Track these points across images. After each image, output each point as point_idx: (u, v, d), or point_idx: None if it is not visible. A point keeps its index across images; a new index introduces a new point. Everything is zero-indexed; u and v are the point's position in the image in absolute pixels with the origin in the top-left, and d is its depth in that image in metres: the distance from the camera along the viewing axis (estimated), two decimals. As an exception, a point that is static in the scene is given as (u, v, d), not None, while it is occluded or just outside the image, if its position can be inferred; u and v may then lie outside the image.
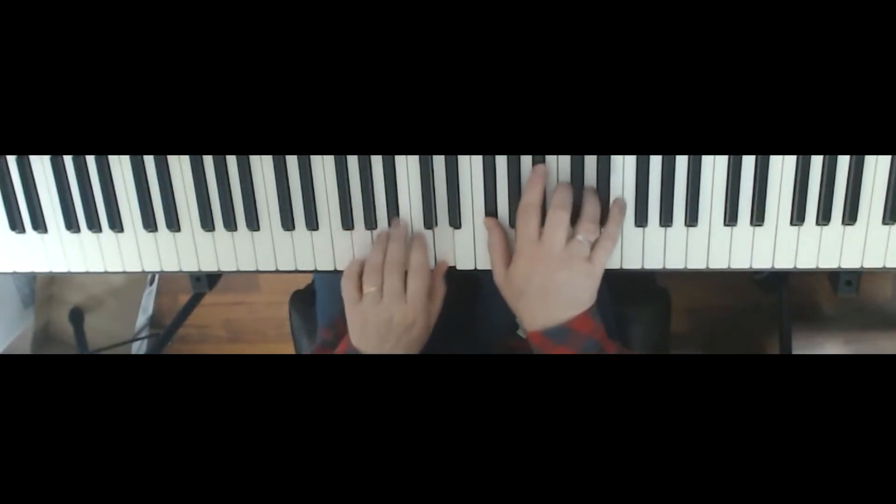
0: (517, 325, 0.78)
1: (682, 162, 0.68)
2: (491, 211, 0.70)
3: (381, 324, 0.68)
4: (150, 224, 0.73)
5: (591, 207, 0.65)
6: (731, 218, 0.68)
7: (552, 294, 0.64)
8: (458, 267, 0.72)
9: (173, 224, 0.73)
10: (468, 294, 0.87)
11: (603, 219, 0.67)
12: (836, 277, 0.72)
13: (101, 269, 0.76)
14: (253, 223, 0.72)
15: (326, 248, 0.73)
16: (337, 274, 0.73)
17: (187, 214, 0.73)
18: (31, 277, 1.47)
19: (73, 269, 0.76)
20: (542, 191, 0.66)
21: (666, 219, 0.69)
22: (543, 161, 0.68)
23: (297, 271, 0.75)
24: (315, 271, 0.74)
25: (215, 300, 1.65)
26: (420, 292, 0.68)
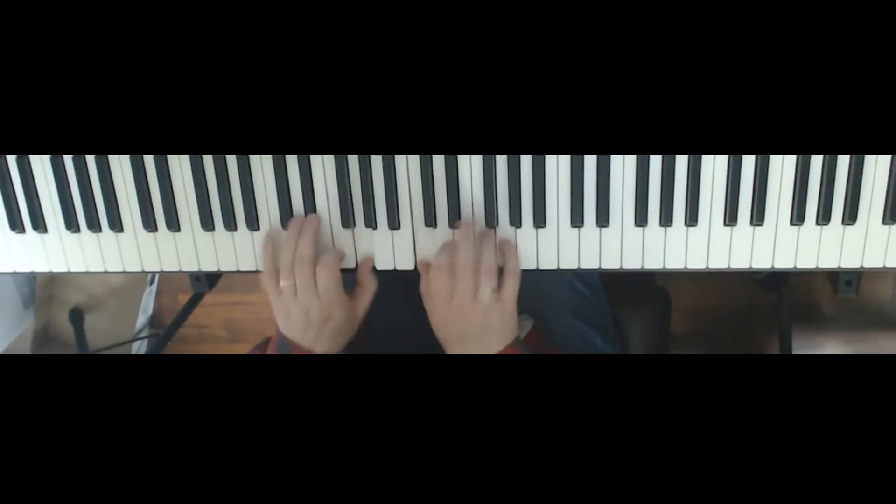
0: None
1: (682, 162, 0.68)
2: (491, 211, 0.70)
3: (300, 316, 0.69)
4: (150, 224, 0.73)
5: (487, 259, 0.66)
6: (731, 218, 0.68)
7: (474, 339, 0.67)
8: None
9: (173, 224, 0.73)
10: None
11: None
12: (836, 277, 0.72)
13: (101, 269, 0.76)
14: (253, 223, 0.72)
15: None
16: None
17: (187, 214, 0.73)
18: (31, 277, 1.47)
19: (73, 269, 0.76)
20: (459, 252, 0.66)
21: (666, 219, 0.69)
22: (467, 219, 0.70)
23: (297, 271, 0.75)
24: (315, 271, 0.74)
25: (215, 300, 1.65)
26: (329, 288, 0.68)
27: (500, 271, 0.68)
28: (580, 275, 0.87)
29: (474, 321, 0.66)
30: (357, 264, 0.73)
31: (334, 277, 0.68)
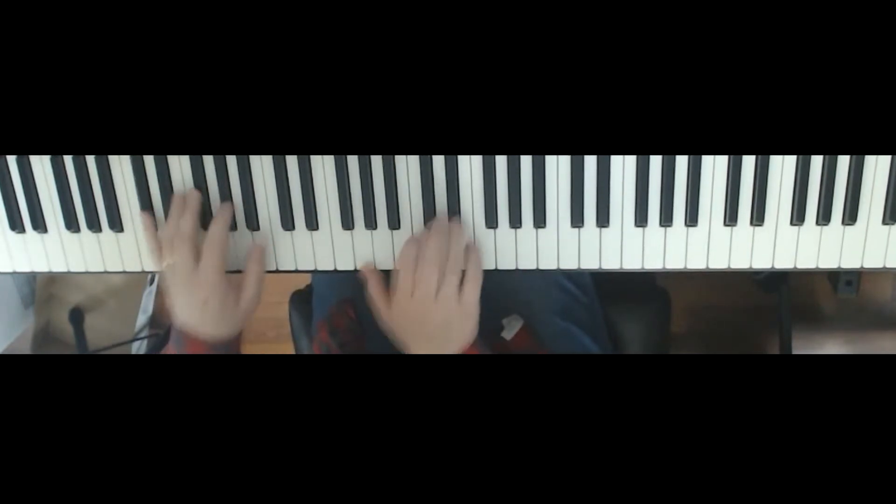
0: (501, 328, 0.79)
1: (682, 162, 0.68)
2: (491, 211, 0.70)
3: (180, 293, 0.68)
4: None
5: (452, 254, 0.66)
6: (731, 218, 0.68)
7: (433, 339, 0.66)
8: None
9: (173, 224, 0.73)
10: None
11: None
12: (836, 277, 0.73)
13: (101, 269, 0.76)
14: (253, 223, 0.72)
15: (326, 248, 0.73)
16: (336, 273, 0.73)
17: (187, 214, 0.73)
18: (31, 277, 1.47)
19: (73, 269, 0.76)
20: (428, 246, 0.66)
21: (666, 219, 0.69)
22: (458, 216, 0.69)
23: (296, 271, 0.75)
24: (315, 271, 0.74)
25: (215, 300, 1.65)
26: (208, 268, 0.67)
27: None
28: (570, 275, 0.87)
29: (434, 319, 0.65)
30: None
31: (215, 258, 0.67)
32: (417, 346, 0.67)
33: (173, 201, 0.70)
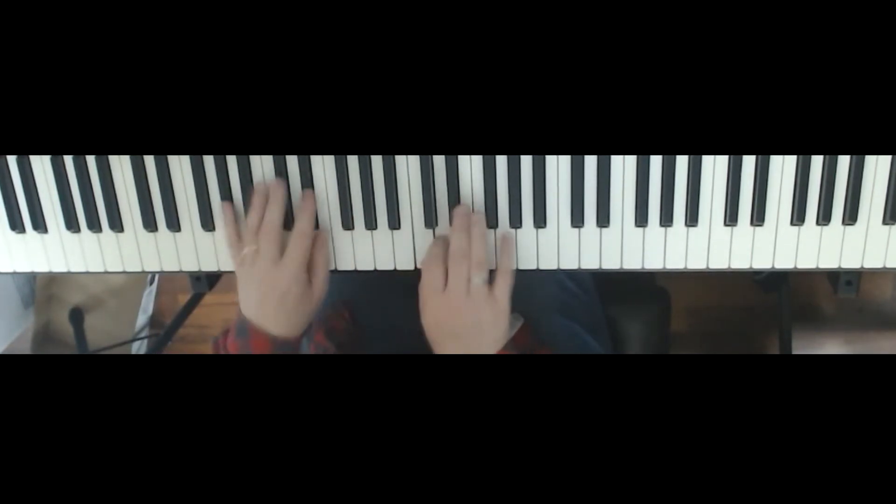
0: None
1: (682, 162, 0.68)
2: (491, 211, 0.70)
3: (257, 286, 0.67)
4: (150, 224, 0.73)
5: (478, 248, 0.65)
6: (731, 218, 0.68)
7: (465, 338, 0.65)
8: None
9: (173, 224, 0.73)
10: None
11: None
12: (836, 277, 0.72)
13: (101, 269, 0.76)
14: (253, 223, 0.72)
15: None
16: (335, 273, 0.73)
17: (187, 214, 0.73)
18: (31, 277, 1.47)
19: (73, 269, 0.76)
20: (454, 241, 0.65)
21: (666, 219, 0.69)
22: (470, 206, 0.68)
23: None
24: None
25: (215, 300, 1.65)
26: (295, 259, 0.67)
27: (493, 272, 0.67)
28: (570, 273, 0.87)
29: (466, 317, 0.64)
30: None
31: (302, 249, 0.67)
32: (452, 347, 0.66)
33: (255, 191, 0.69)
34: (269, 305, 0.67)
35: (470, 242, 0.65)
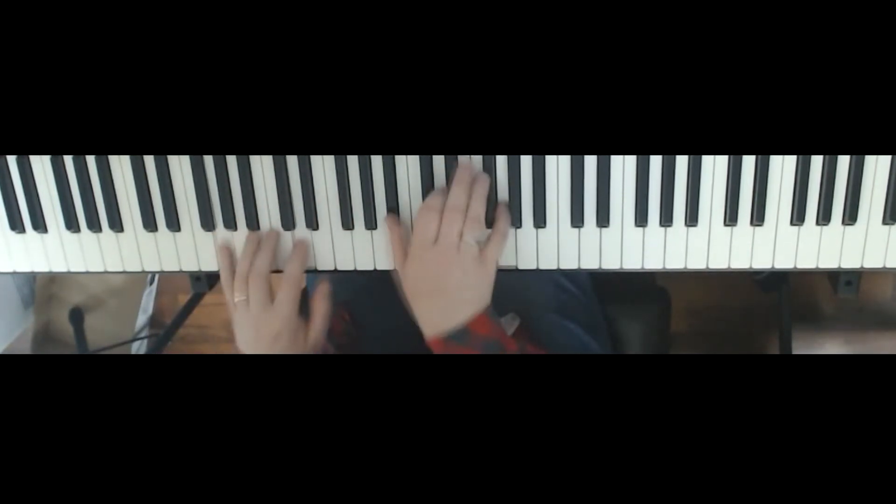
0: None
1: (682, 162, 0.68)
2: (491, 211, 0.70)
3: (249, 328, 0.69)
4: (150, 224, 0.73)
5: (476, 206, 0.65)
6: (731, 218, 0.68)
7: (446, 294, 0.64)
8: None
9: (173, 224, 0.73)
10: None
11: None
12: (836, 277, 0.72)
13: (101, 269, 0.76)
14: (253, 223, 0.72)
15: (326, 248, 0.73)
16: (335, 273, 0.73)
17: (187, 214, 0.73)
18: (31, 277, 1.47)
19: (73, 269, 0.76)
20: (452, 193, 0.65)
21: (666, 219, 0.69)
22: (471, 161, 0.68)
23: (297, 271, 0.75)
24: (315, 271, 0.74)
25: (215, 300, 1.65)
26: (285, 303, 0.68)
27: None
28: (567, 274, 0.87)
29: (451, 274, 0.63)
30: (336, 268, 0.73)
31: (292, 294, 0.69)
32: (429, 304, 0.65)
33: (248, 240, 0.71)
34: (263, 346, 0.69)
35: (468, 198, 0.65)
